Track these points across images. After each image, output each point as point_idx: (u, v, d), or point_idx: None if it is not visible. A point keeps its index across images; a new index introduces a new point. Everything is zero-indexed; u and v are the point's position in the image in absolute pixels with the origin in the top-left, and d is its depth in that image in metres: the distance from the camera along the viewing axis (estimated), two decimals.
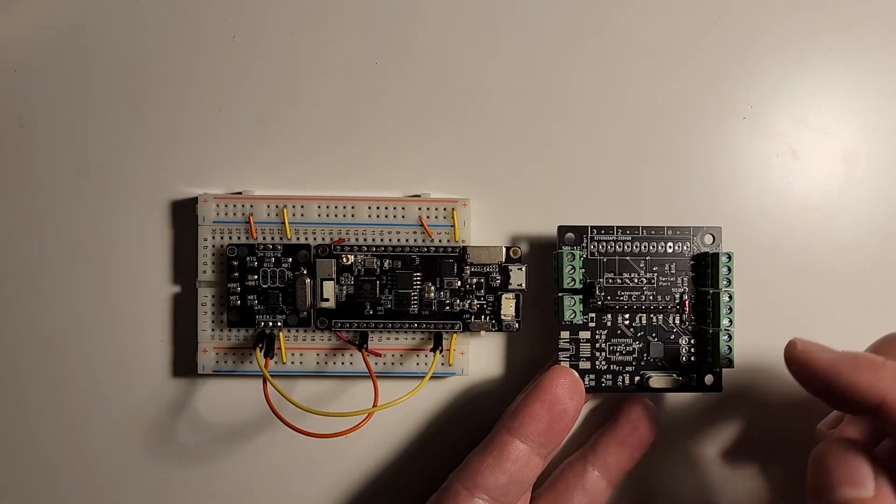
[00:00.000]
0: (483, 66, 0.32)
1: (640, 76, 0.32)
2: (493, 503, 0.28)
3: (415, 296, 0.31)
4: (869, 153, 0.32)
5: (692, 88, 0.32)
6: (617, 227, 0.30)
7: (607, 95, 0.32)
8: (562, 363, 0.30)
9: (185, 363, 0.32)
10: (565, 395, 0.29)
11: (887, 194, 0.32)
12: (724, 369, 0.30)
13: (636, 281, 0.30)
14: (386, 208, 0.31)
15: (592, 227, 0.30)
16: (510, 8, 0.32)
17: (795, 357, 0.26)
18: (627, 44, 0.32)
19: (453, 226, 0.31)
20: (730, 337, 0.30)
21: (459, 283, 0.31)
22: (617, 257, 0.30)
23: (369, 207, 0.31)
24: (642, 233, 0.30)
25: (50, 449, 0.33)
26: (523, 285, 0.31)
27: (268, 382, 0.28)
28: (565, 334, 0.30)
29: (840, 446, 0.24)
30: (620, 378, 0.31)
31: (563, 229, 0.30)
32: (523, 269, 0.31)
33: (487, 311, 0.31)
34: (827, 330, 0.31)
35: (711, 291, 0.30)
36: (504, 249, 0.31)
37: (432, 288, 0.31)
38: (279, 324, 0.31)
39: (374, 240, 0.31)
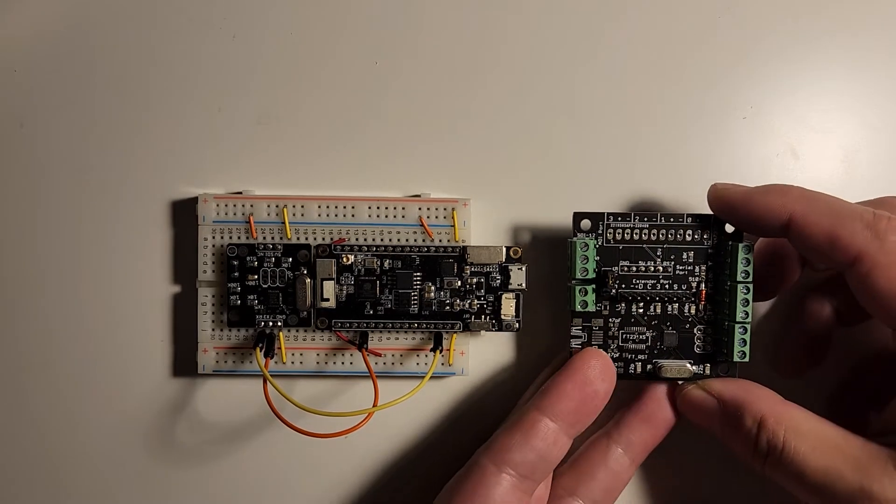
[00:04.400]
0: (483, 66, 0.32)
1: (640, 76, 0.32)
2: (520, 479, 0.28)
3: (415, 296, 0.31)
4: (869, 153, 0.32)
5: (692, 88, 0.32)
6: (634, 213, 0.30)
7: (607, 95, 0.32)
8: (573, 351, 0.30)
9: (185, 363, 0.32)
10: (597, 377, 0.28)
11: (887, 194, 0.32)
12: (738, 362, 0.29)
13: (652, 269, 0.30)
14: (386, 208, 0.31)
15: (609, 214, 0.30)
16: (510, 8, 0.32)
17: (716, 192, 0.29)
18: (627, 44, 0.32)
19: (453, 226, 0.31)
20: (745, 330, 0.29)
21: (459, 283, 0.31)
22: (633, 245, 0.30)
23: (369, 207, 0.31)
24: (660, 220, 0.30)
25: (50, 449, 0.32)
26: (523, 285, 0.31)
27: (268, 382, 0.28)
28: (578, 321, 0.30)
29: None
30: (632, 366, 0.30)
31: (578, 216, 0.30)
32: (523, 268, 0.31)
33: (487, 311, 0.31)
34: None
35: (729, 283, 0.29)
36: (504, 249, 0.31)
37: (432, 288, 0.31)
38: (279, 324, 0.31)
39: (374, 240, 0.31)
